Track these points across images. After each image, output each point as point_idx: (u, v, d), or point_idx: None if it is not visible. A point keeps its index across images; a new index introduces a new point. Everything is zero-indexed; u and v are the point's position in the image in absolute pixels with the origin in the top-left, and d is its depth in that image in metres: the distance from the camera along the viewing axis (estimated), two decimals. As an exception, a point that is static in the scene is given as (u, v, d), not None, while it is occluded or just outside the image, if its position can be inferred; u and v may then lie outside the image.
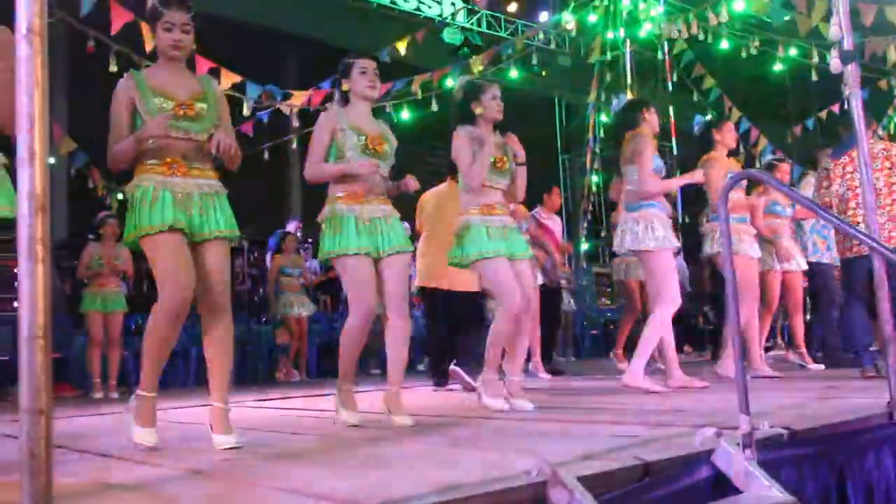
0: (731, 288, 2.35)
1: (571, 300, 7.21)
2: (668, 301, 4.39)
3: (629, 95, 11.27)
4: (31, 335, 1.26)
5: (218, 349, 2.88)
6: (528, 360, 6.36)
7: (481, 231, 3.82)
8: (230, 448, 2.73)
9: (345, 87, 3.56)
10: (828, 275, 6.20)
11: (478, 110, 3.91)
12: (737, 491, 2.09)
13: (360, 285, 3.38)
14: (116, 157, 2.83)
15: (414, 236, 5.79)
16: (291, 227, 10.19)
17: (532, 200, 6.64)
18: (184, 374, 8.25)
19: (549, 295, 6.67)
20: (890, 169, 4.76)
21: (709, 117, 5.42)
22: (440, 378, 5.74)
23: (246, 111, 8.16)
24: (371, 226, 3.43)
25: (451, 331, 5.80)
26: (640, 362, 4.38)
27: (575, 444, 2.43)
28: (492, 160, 3.85)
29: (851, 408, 2.94)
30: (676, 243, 4.60)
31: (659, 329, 4.43)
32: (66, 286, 8.27)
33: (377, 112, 8.46)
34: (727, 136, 5.16)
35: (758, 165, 9.09)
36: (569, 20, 11.53)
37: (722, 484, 2.12)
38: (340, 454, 2.60)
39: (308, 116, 8.44)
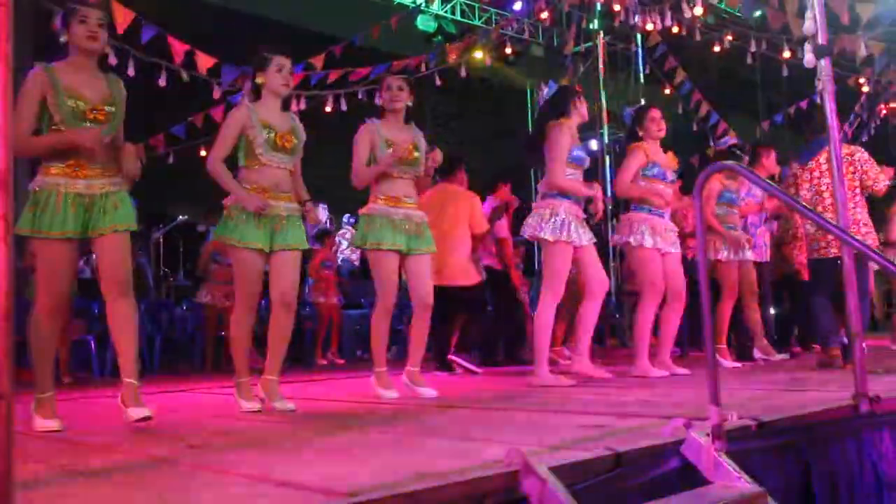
0: (703, 283, 2.36)
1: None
2: (553, 292, 4.45)
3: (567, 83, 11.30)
4: (-8, 317, 1.22)
5: (118, 325, 3.03)
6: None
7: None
8: (142, 419, 2.91)
9: (259, 79, 3.59)
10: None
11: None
12: (705, 481, 2.11)
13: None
14: (27, 148, 2.97)
15: None
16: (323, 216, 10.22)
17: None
18: (148, 361, 8.15)
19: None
20: (853, 174, 4.90)
21: (637, 106, 5.28)
22: (443, 368, 5.81)
23: (216, 95, 8.04)
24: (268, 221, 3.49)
25: (448, 323, 5.85)
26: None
27: (545, 434, 2.43)
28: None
29: (818, 400, 2.98)
30: (579, 240, 4.50)
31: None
32: (27, 270, 8.11)
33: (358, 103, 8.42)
34: (651, 127, 5.02)
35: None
36: (543, 10, 11.53)
37: (691, 474, 2.13)
38: (308, 442, 2.58)
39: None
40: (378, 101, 4.18)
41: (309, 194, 3.73)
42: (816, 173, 5.02)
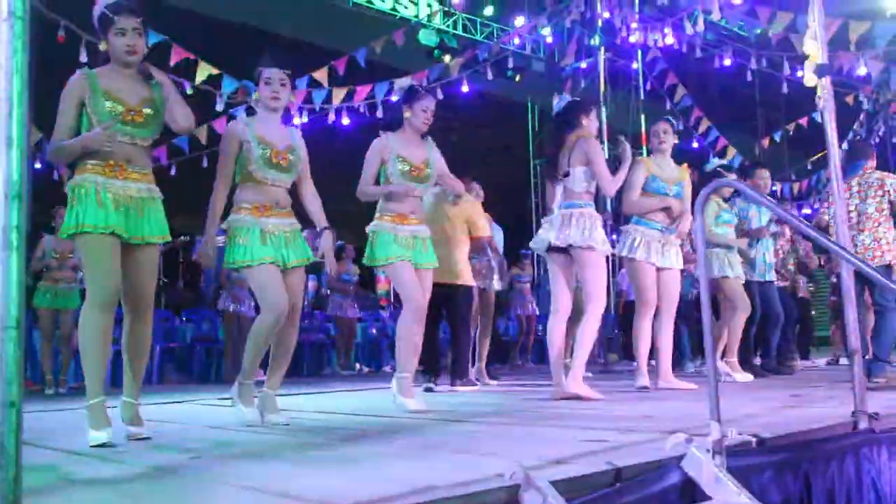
0: (704, 297, 2.38)
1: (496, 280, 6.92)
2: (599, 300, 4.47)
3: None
4: (4, 325, 1.23)
5: (136, 348, 3.00)
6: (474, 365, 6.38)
7: None
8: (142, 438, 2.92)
9: (255, 95, 3.58)
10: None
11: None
12: (706, 497, 2.11)
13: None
14: (60, 153, 2.91)
15: None
16: None
17: (507, 205, 6.60)
18: (147, 371, 8.15)
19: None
20: (882, 196, 5.28)
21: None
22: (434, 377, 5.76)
23: (219, 107, 8.07)
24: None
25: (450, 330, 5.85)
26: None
27: (546, 448, 2.43)
28: (408, 168, 4.06)
29: (817, 417, 2.98)
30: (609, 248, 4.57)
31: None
32: (27, 279, 8.13)
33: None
34: (652, 140, 5.12)
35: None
36: (545, 26, 11.59)
37: (691, 489, 2.13)
38: (310, 453, 2.58)
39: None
40: (406, 113, 4.13)
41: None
42: (846, 195, 5.31)
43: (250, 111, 3.61)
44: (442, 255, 5.34)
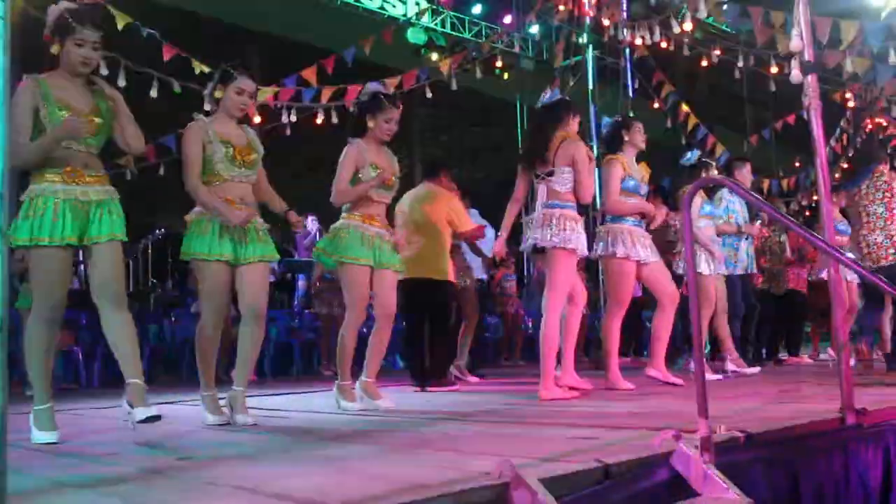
0: (692, 296, 2.38)
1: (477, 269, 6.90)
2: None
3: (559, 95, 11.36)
4: (-12, 328, 1.22)
5: (119, 336, 3.00)
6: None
7: None
8: (149, 418, 2.85)
9: (218, 93, 3.61)
10: (734, 287, 6.33)
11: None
12: (694, 493, 2.12)
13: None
14: (29, 154, 2.92)
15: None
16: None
17: (496, 202, 6.53)
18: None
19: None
20: (892, 197, 5.59)
21: (618, 117, 5.28)
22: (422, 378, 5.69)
23: (207, 106, 8.03)
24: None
25: (432, 327, 5.80)
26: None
27: (535, 446, 2.44)
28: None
29: (805, 412, 2.99)
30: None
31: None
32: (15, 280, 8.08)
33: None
34: (636, 137, 5.04)
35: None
36: (533, 25, 11.60)
37: (680, 486, 2.14)
38: (299, 454, 2.58)
39: (268, 113, 8.35)
40: (370, 123, 4.18)
41: (291, 205, 3.76)
42: (857, 198, 5.81)
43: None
44: (425, 252, 5.36)
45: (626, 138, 4.99)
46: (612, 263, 4.91)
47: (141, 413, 2.86)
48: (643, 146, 5.07)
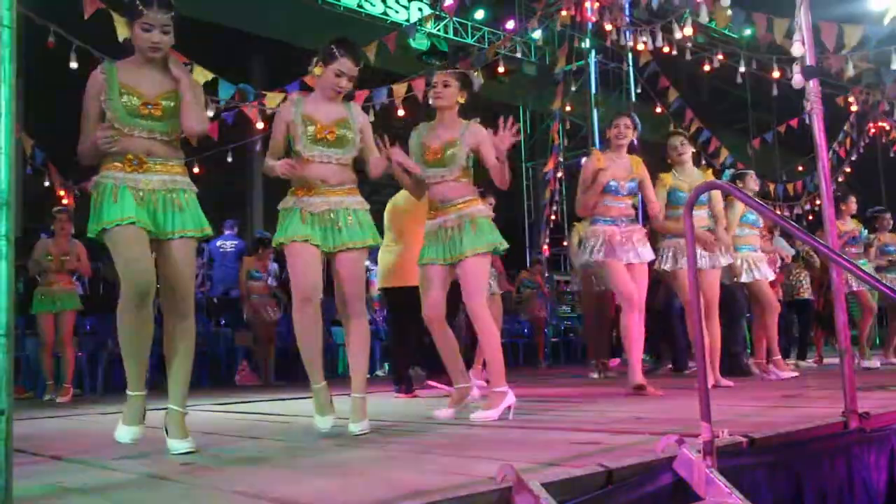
0: (693, 300, 2.39)
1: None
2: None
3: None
4: (-7, 334, 1.23)
5: (179, 351, 2.84)
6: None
7: None
8: (185, 453, 2.70)
9: (317, 70, 3.35)
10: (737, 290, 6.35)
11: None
12: (697, 497, 2.12)
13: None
14: (81, 154, 2.82)
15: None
16: None
17: (498, 208, 6.52)
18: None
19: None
20: None
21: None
22: (405, 384, 5.65)
23: (210, 112, 8.04)
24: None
25: (417, 334, 5.74)
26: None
27: (538, 450, 2.44)
28: None
29: (808, 417, 2.99)
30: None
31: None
32: (18, 285, 8.11)
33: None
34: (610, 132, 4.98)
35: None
36: (535, 30, 11.62)
37: (683, 490, 2.14)
38: (302, 459, 2.59)
39: (271, 118, 8.35)
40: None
41: None
42: None
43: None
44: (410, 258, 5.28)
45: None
46: (602, 266, 4.91)
47: (174, 446, 2.75)
48: (617, 142, 5.03)
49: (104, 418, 4.54)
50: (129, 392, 2.80)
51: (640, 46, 10.23)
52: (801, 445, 2.63)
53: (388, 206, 5.75)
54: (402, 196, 5.77)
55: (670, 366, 7.65)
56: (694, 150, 5.20)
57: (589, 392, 5.22)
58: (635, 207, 5.02)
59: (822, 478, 2.60)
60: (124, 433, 2.79)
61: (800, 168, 14.04)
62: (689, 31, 9.17)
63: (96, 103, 2.80)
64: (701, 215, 5.36)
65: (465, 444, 2.81)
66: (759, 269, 5.88)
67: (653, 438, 2.35)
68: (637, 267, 4.82)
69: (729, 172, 6.12)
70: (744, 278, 5.86)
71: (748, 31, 9.41)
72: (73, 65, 6.59)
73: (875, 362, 6.97)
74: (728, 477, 2.12)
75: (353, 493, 1.85)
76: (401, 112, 8.81)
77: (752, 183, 6.43)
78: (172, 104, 2.86)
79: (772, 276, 6.11)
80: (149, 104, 2.81)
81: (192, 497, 1.99)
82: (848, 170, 13.12)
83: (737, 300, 6.33)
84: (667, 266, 5.26)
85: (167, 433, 2.79)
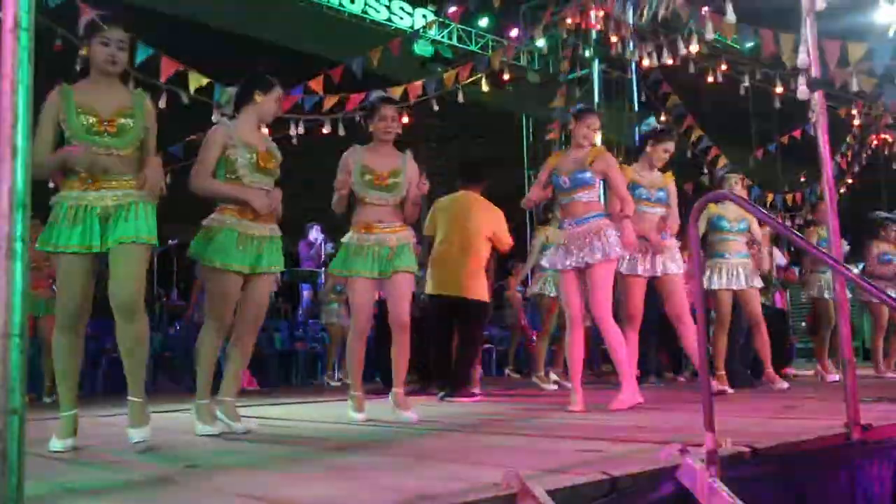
0: (700, 309, 2.40)
1: None
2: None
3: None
4: (7, 333, 1.23)
5: (129, 352, 2.96)
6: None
7: None
8: (140, 442, 2.87)
9: (258, 98, 3.66)
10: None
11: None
12: (700, 507, 2.12)
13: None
14: (39, 169, 2.84)
15: (424, 241, 5.84)
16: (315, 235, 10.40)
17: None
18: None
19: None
20: None
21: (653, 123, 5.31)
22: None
23: (214, 117, 8.06)
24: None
25: (461, 341, 5.78)
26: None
27: (542, 458, 2.45)
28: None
29: (811, 427, 2.99)
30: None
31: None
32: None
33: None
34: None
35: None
36: (539, 38, 11.65)
37: (685, 500, 2.15)
38: (306, 463, 2.59)
39: (277, 124, 8.38)
40: (371, 128, 4.20)
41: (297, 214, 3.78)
42: None
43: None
44: (455, 267, 5.46)
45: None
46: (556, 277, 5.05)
47: (133, 434, 2.93)
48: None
49: (105, 420, 4.55)
50: (61, 413, 2.98)
51: (646, 62, 10.25)
52: (804, 456, 2.63)
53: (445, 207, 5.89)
54: (457, 200, 5.89)
55: (679, 377, 7.67)
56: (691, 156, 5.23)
57: (590, 400, 5.21)
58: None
59: (824, 489, 2.60)
60: (58, 445, 2.93)
61: (802, 179, 14.05)
62: (694, 47, 9.16)
63: (52, 125, 2.93)
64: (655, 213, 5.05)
65: (468, 451, 2.81)
66: (743, 278, 5.85)
67: (656, 447, 2.35)
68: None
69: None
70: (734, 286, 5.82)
71: (750, 44, 9.43)
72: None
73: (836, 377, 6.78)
74: (731, 487, 2.12)
75: (359, 497, 1.85)
76: (405, 119, 8.85)
77: (738, 187, 6.41)
78: (129, 122, 3.00)
79: (759, 285, 6.08)
80: (106, 121, 2.95)
81: (194, 499, 2.00)
82: (850, 181, 13.13)
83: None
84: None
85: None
